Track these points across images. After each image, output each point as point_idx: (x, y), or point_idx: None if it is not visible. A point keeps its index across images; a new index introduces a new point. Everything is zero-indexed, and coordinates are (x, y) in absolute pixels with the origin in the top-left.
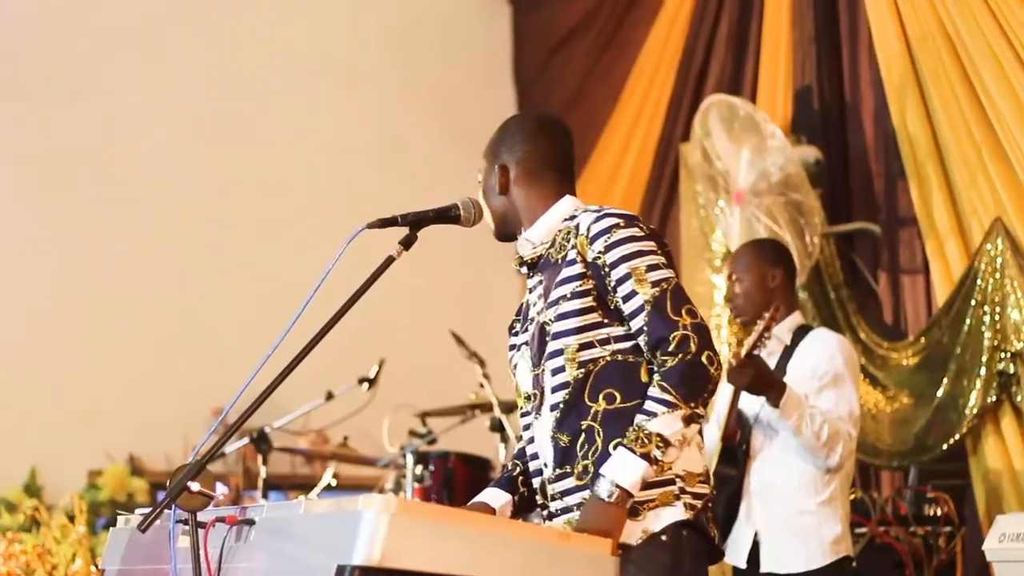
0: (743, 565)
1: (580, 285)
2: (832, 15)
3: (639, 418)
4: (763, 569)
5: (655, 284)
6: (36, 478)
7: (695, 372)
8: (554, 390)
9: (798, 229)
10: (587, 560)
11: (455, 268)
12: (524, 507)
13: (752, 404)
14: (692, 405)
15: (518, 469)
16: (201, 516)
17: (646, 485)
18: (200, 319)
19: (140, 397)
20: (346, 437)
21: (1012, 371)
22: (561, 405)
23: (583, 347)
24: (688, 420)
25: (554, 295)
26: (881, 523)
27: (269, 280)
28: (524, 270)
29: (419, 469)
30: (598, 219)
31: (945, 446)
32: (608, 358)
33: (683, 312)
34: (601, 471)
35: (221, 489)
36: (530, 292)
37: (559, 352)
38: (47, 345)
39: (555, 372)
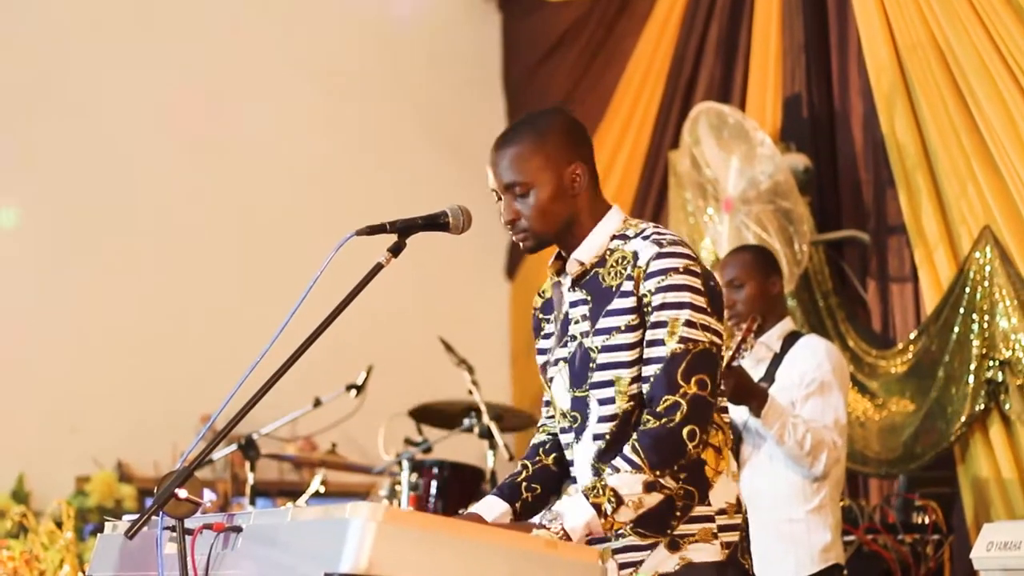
0: None
1: (633, 319)
2: (822, 23)
3: (606, 470)
4: None
5: (682, 341)
6: (24, 484)
7: (670, 441)
8: (600, 420)
9: (787, 237)
10: (575, 568)
11: (443, 275)
12: (528, 513)
13: (741, 413)
14: (657, 473)
15: (524, 474)
16: (188, 523)
17: (688, 520)
18: (188, 325)
19: (128, 403)
20: (334, 444)
21: (1000, 379)
22: (607, 436)
23: (635, 380)
24: (649, 487)
25: (604, 323)
26: (869, 531)
27: (257, 287)
28: (563, 279)
29: (414, 477)
30: (659, 256)
31: (933, 454)
32: None
33: (692, 380)
34: (555, 506)
35: (209, 496)
36: (572, 307)
37: (610, 383)
38: (34, 352)
39: (603, 402)
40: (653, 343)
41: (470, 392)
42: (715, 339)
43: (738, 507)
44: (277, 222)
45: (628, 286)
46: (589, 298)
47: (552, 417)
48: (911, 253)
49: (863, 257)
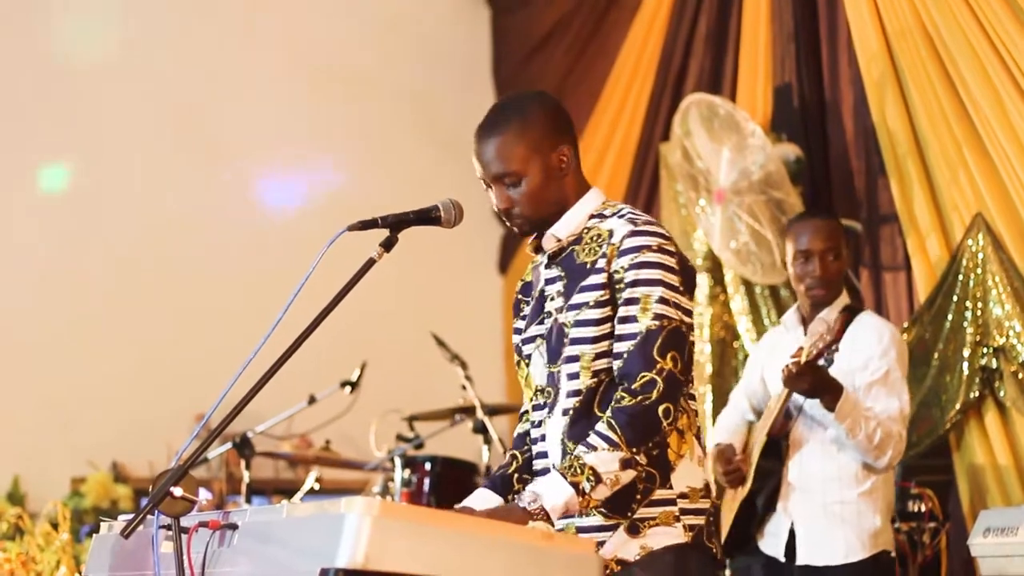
0: (782, 558)
1: (603, 295)
2: (811, 12)
3: (579, 448)
4: (800, 561)
5: (656, 317)
6: (19, 486)
7: (646, 419)
8: (568, 395)
9: (779, 227)
10: (570, 560)
11: (436, 270)
12: None
13: (795, 395)
14: (633, 450)
15: (514, 465)
16: (184, 521)
17: (649, 503)
18: (181, 324)
19: (122, 404)
20: (328, 441)
21: (995, 366)
22: (571, 412)
23: (599, 356)
24: (625, 464)
25: (576, 299)
26: None
27: (250, 284)
28: (540, 257)
29: (407, 473)
30: (633, 234)
31: (929, 442)
32: None
33: (667, 356)
34: (532, 487)
35: (204, 494)
36: (547, 283)
37: (576, 358)
38: (29, 353)
39: (570, 377)
40: (626, 319)
41: (463, 387)
42: (686, 318)
43: (705, 492)
44: (269, 219)
45: (601, 263)
46: (564, 274)
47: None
48: (903, 241)
49: (855, 246)
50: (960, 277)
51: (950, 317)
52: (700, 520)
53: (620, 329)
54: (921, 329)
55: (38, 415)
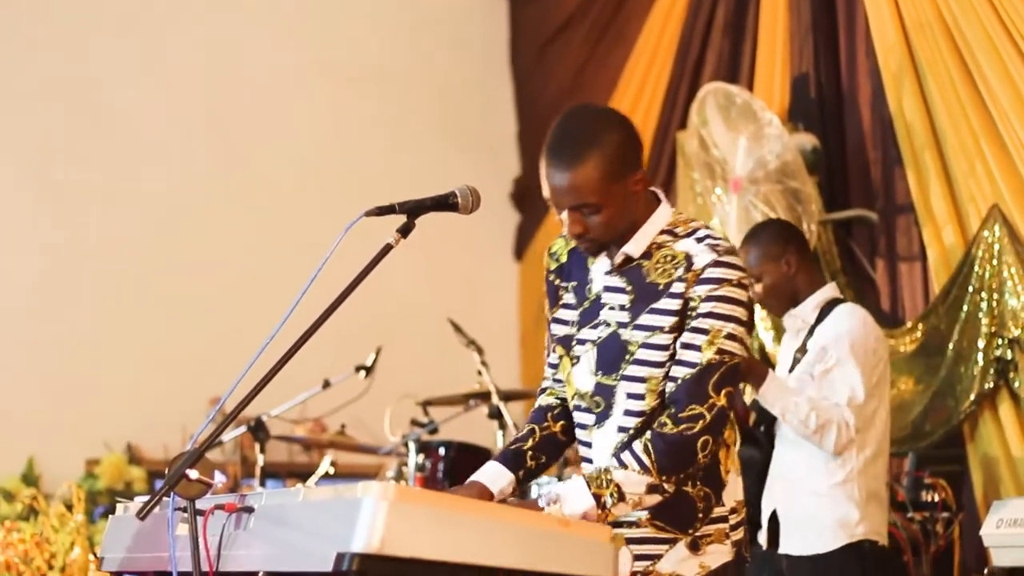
0: (764, 545)
1: (677, 322)
2: (829, 3)
3: (612, 460)
4: (781, 550)
5: (720, 352)
6: (34, 467)
7: (684, 450)
8: (628, 413)
9: (795, 216)
10: (586, 546)
11: (452, 256)
12: (529, 479)
13: None
14: (663, 478)
15: (531, 442)
16: (200, 504)
17: (708, 520)
18: (198, 307)
19: (138, 386)
20: (343, 425)
21: (1010, 357)
22: (631, 431)
23: (666, 378)
24: (651, 489)
25: (648, 320)
26: None
27: (267, 269)
28: (598, 259)
29: (421, 458)
30: (716, 264)
31: (943, 432)
32: None
33: (722, 392)
34: (555, 488)
35: (219, 477)
36: (607, 290)
37: (642, 379)
38: (44, 335)
39: (632, 396)
40: (689, 346)
41: (479, 373)
42: (746, 353)
43: (744, 503)
44: (287, 205)
45: (678, 287)
46: (630, 288)
47: (560, 382)
48: (919, 232)
49: (871, 236)
50: (976, 268)
51: (965, 308)
52: (741, 534)
53: (682, 354)
54: (936, 320)
55: (53, 396)
